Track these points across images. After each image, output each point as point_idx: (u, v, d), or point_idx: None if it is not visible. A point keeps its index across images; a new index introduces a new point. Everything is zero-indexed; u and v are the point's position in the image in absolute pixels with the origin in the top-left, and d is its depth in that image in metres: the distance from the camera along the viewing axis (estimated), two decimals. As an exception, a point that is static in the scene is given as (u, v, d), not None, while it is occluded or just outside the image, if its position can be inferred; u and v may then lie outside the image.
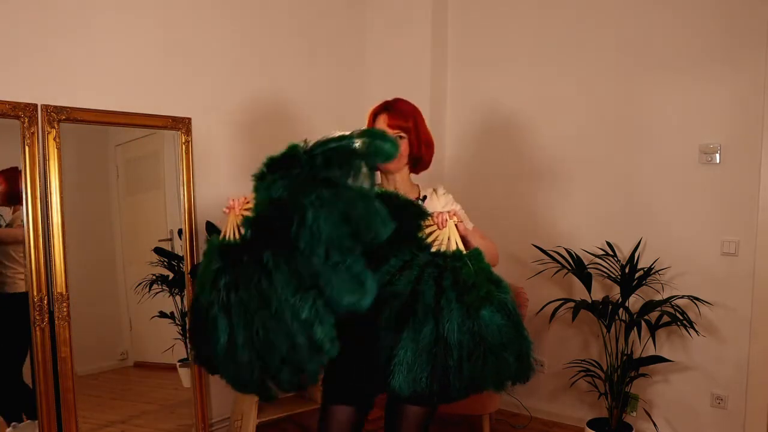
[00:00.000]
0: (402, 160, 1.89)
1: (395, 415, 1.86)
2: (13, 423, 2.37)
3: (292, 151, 1.57)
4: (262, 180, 1.61)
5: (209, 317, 1.62)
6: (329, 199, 1.46)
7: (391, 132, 1.83)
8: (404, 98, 1.97)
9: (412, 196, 1.90)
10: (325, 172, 1.51)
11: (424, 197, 1.95)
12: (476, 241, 1.75)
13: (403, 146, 1.87)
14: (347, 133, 1.58)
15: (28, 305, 2.29)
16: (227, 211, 1.72)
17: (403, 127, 1.87)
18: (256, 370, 1.56)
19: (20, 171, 2.27)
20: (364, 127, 1.89)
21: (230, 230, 1.68)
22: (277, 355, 1.52)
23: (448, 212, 1.69)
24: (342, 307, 1.47)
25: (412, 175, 2.01)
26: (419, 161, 1.95)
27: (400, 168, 1.92)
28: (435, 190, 1.99)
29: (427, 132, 1.95)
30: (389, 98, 1.97)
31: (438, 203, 1.94)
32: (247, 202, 1.69)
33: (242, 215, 1.67)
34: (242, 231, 1.64)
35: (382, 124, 1.87)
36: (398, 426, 1.85)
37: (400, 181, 1.95)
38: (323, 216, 1.44)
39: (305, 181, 1.51)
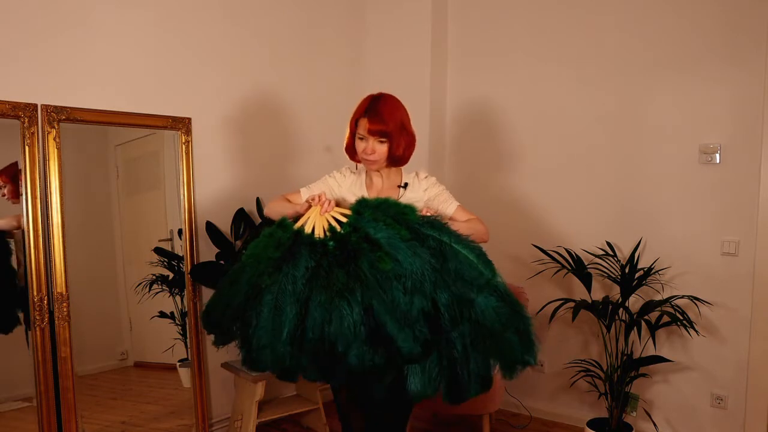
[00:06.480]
0: (381, 162, 1.89)
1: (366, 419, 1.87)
2: None
3: (406, 211, 1.68)
4: (361, 209, 1.70)
5: (263, 301, 1.64)
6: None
7: (371, 138, 1.85)
8: (398, 95, 1.95)
9: (395, 183, 1.95)
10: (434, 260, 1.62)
11: (406, 184, 1.96)
12: (460, 225, 1.81)
13: (384, 150, 1.86)
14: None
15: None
16: (313, 201, 1.75)
17: (383, 132, 1.83)
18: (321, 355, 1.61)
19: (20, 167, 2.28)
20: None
21: (310, 225, 1.71)
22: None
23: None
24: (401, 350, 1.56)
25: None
26: (399, 159, 1.94)
27: (381, 167, 1.94)
28: (417, 174, 2.00)
29: (411, 132, 1.93)
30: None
31: (420, 187, 1.95)
32: (340, 212, 1.73)
33: (328, 221, 1.71)
34: (325, 234, 1.69)
35: (362, 129, 1.86)
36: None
37: (382, 170, 1.96)
38: (416, 294, 1.56)
39: (417, 248, 1.60)
